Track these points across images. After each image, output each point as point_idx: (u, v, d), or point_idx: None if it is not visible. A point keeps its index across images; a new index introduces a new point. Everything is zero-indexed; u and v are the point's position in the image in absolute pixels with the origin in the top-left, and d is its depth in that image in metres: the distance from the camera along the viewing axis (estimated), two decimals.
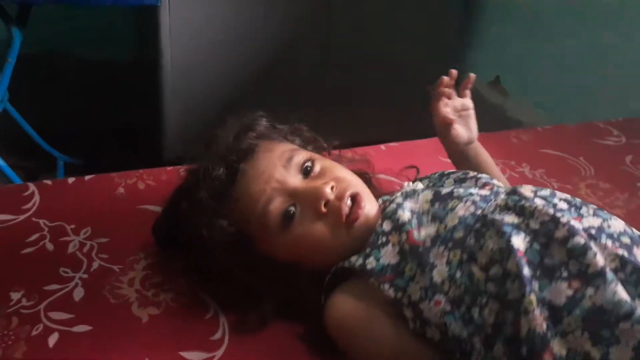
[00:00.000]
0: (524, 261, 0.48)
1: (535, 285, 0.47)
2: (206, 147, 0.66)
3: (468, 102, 0.74)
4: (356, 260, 0.56)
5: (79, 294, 0.63)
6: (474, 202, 0.56)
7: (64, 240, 0.70)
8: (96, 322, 0.59)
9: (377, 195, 0.66)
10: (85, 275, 0.65)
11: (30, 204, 0.76)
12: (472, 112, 0.75)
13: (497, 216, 0.53)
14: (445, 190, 0.60)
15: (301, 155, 0.62)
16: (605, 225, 0.52)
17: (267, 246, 0.61)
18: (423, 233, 0.55)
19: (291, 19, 1.73)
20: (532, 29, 1.86)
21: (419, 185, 0.67)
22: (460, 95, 0.74)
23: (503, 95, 1.99)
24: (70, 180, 0.82)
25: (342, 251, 0.58)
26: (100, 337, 0.58)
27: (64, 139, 1.94)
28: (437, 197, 0.59)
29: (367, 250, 0.56)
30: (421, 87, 2.07)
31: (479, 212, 0.55)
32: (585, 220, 0.52)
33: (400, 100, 2.04)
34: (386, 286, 0.53)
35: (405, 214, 0.57)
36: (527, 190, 0.58)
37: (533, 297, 0.46)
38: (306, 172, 0.61)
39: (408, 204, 0.59)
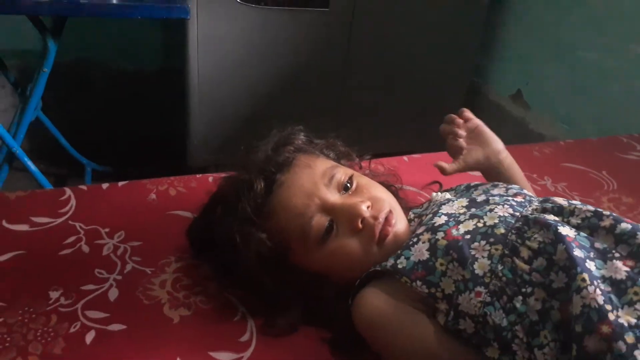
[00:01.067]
0: (574, 245, 0.51)
1: (591, 265, 0.50)
2: (245, 156, 0.68)
3: (471, 123, 0.78)
4: (386, 263, 0.58)
5: (113, 294, 0.65)
6: (511, 206, 0.60)
7: (99, 243, 0.73)
8: (130, 322, 0.62)
9: (404, 207, 0.68)
10: (119, 277, 0.68)
11: (67, 208, 0.80)
12: (481, 129, 0.78)
13: (538, 216, 0.56)
14: (480, 198, 0.64)
15: (341, 173, 0.65)
16: (636, 228, 0.54)
17: (300, 258, 0.63)
18: (462, 229, 0.57)
19: (314, 34, 1.77)
20: (554, 42, 1.87)
21: (447, 195, 0.69)
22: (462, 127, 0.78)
23: (525, 109, 1.99)
24: (105, 186, 0.86)
25: (371, 267, 0.61)
26: (134, 335, 0.60)
27: (93, 146, 2.00)
28: (473, 203, 0.63)
29: (399, 252, 0.58)
30: (442, 101, 2.08)
31: (517, 213, 0.58)
32: None
33: (422, 112, 2.06)
34: (418, 283, 0.55)
35: (441, 218, 0.60)
36: (559, 199, 0.61)
37: (585, 276, 0.48)
38: (345, 189, 0.64)
39: (444, 209, 0.63)
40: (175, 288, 0.67)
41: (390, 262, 0.58)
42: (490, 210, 0.59)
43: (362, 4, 1.77)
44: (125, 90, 2.11)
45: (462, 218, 0.59)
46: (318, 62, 1.81)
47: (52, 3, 1.36)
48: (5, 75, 1.77)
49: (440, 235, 0.57)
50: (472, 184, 0.73)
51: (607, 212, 0.55)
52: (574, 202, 0.60)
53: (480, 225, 0.57)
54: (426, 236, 0.58)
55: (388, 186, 0.72)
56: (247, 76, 1.76)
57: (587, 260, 0.50)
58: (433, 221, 0.60)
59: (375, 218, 0.61)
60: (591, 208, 0.57)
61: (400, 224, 0.63)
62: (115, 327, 0.61)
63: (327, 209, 0.62)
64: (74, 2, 1.38)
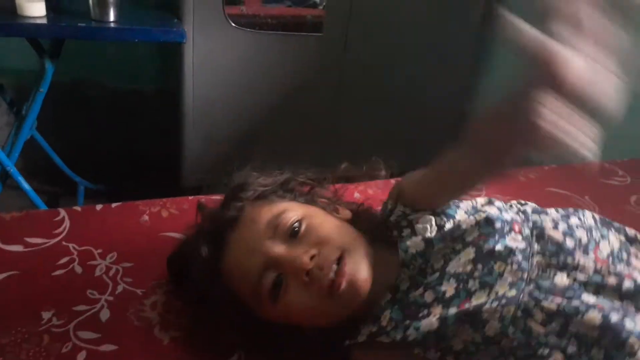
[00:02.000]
0: (605, 309, 0.50)
1: (630, 324, 0.49)
2: (201, 214, 0.70)
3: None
4: (395, 333, 0.56)
5: (105, 315, 0.67)
6: (518, 264, 0.56)
7: (92, 264, 0.75)
8: (121, 342, 0.63)
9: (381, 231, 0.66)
10: (111, 298, 0.69)
11: (61, 229, 0.81)
12: None
13: (547, 282, 0.54)
14: (486, 247, 0.57)
15: (287, 218, 0.60)
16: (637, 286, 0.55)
17: (264, 314, 0.61)
18: (474, 301, 0.54)
19: (308, 58, 1.81)
20: None
21: (428, 231, 0.64)
22: None
23: None
24: (98, 207, 0.87)
25: (341, 314, 0.59)
26: (125, 356, 0.61)
27: (87, 165, 2.02)
28: (480, 257, 0.57)
29: (407, 321, 0.56)
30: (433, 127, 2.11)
31: (525, 275, 0.55)
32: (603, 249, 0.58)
33: (414, 136, 2.09)
34: (432, 351, 0.55)
35: (450, 284, 0.56)
36: (550, 230, 0.59)
37: (633, 340, 0.48)
38: (293, 233, 0.60)
39: (452, 267, 0.58)
40: (166, 309, 0.68)
41: (399, 334, 0.55)
42: (500, 275, 0.55)
43: (355, 30, 1.82)
44: (121, 110, 2.13)
45: (472, 286, 0.55)
46: (311, 86, 1.85)
47: (51, 26, 1.39)
48: (1, 94, 1.79)
49: (452, 310, 0.54)
50: (474, 209, 0.66)
51: (605, 267, 0.54)
52: (562, 227, 0.59)
53: (492, 296, 0.54)
54: (438, 310, 0.55)
55: (357, 209, 0.71)
56: (241, 98, 1.80)
57: (627, 320, 0.49)
58: (442, 288, 0.56)
59: (322, 267, 0.56)
60: (591, 264, 0.55)
61: (358, 268, 0.57)
62: (107, 347, 0.62)
63: (272, 263, 0.58)
64: (73, 25, 1.41)
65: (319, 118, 1.93)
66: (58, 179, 1.97)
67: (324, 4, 1.84)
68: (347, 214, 0.70)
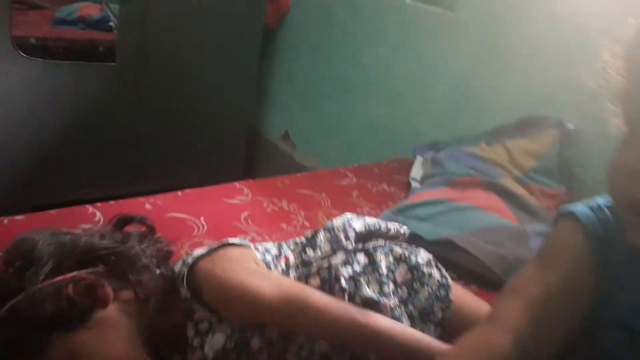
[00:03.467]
0: None
1: None
2: None
3: None
4: None
5: None
6: None
7: None
8: None
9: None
10: None
11: None
12: None
13: None
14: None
15: None
16: None
17: None
18: None
19: (102, 86, 1.95)
20: (309, 94, 2.37)
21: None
22: None
23: (292, 147, 2.46)
24: None
25: None
26: None
27: None
28: None
29: None
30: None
31: None
32: None
33: (210, 151, 2.35)
34: None
35: None
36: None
37: None
38: None
39: None
40: None
41: None
42: None
43: (148, 60, 2.00)
44: None
45: None
46: (107, 113, 1.99)
47: None
48: None
49: None
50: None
51: None
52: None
53: None
54: None
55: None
56: (31, 127, 1.85)
57: None
58: None
59: None
60: None
61: None
62: None
63: None
64: None
65: (115, 142, 2.05)
66: None
67: (116, 29, 1.97)
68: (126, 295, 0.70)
